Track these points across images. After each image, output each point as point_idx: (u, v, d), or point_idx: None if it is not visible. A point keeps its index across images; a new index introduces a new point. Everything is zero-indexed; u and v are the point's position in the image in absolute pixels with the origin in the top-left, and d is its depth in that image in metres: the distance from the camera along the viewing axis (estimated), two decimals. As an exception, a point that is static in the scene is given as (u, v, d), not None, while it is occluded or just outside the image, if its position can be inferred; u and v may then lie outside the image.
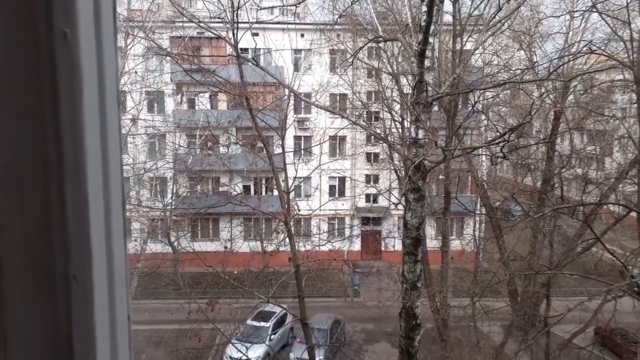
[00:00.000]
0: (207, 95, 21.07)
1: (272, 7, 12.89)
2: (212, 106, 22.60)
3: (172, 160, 19.07)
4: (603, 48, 14.10)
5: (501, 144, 6.81)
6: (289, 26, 21.23)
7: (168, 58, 15.77)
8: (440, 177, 18.03)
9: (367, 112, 22.05)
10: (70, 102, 0.42)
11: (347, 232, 26.54)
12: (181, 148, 19.95)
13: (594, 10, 13.28)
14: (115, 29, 0.48)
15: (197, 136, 18.50)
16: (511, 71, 14.16)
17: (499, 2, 10.87)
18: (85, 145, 0.44)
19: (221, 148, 18.08)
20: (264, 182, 22.41)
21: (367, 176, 27.44)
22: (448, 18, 17.02)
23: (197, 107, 21.63)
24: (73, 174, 0.44)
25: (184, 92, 22.75)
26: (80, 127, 0.44)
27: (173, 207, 20.05)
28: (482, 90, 13.06)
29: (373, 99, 22.90)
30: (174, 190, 18.86)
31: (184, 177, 19.75)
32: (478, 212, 17.90)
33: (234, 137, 17.32)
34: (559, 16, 14.38)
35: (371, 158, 27.19)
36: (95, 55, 0.44)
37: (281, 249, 14.63)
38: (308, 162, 17.37)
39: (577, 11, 14.65)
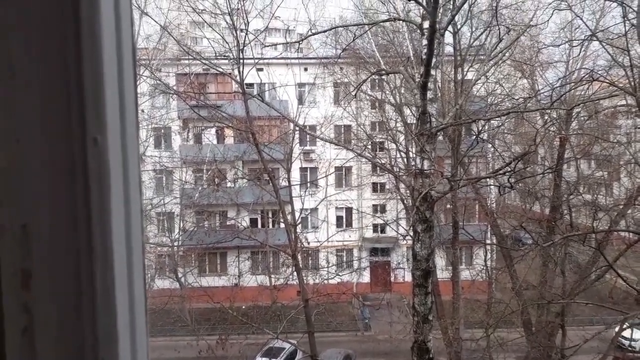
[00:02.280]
0: (213, 130, 21.37)
1: (276, 44, 13.17)
2: (218, 141, 22.88)
3: (179, 195, 19.20)
4: (605, 75, 14.23)
5: (507, 174, 6.83)
6: (293, 61, 21.65)
7: (175, 95, 16.09)
8: (448, 206, 17.96)
9: (371, 142, 22.22)
10: (100, 197, 0.45)
11: (355, 264, 26.31)
12: (188, 183, 20.13)
13: (594, 38, 13.46)
14: (138, 132, 0.52)
15: (204, 170, 18.68)
16: (514, 100, 14.28)
17: (499, 33, 11.08)
18: (111, 234, 0.47)
19: (228, 182, 18.22)
20: (270, 215, 22.40)
21: (374, 206, 27.37)
22: (449, 49, 17.32)
23: (203, 142, 21.92)
24: (102, 261, 0.47)
25: (191, 128, 23.09)
26: (107, 214, 0.47)
27: (180, 242, 20.05)
28: (485, 120, 13.15)
29: (377, 129, 23.09)
30: (181, 226, 18.91)
31: (191, 212, 19.85)
32: (488, 240, 17.74)
33: (240, 171, 17.46)
34: (559, 45, 14.56)
35: (377, 188, 27.20)
36: (121, 158, 0.49)
37: (289, 282, 14.51)
38: (314, 194, 17.40)
39: (576, 40, 14.86)
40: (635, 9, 12.36)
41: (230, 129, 14.89)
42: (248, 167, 21.70)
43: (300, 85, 24.78)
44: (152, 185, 20.76)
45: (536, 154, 16.80)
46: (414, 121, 14.52)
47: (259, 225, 23.49)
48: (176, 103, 21.04)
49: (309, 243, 13.22)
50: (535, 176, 13.76)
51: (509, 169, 6.94)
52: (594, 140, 14.80)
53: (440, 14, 8.56)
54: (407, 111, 18.03)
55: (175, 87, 18.00)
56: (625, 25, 12.98)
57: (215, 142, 22.33)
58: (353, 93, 16.48)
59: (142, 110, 18.14)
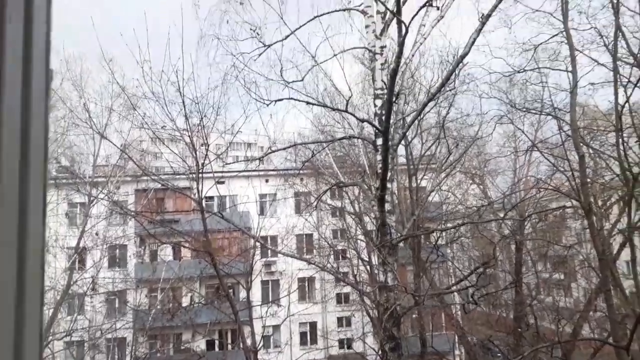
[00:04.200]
0: (170, 246, 20.82)
1: (237, 162, 13.40)
2: (175, 257, 22.21)
3: (132, 319, 18.05)
4: (549, 181, 15.11)
5: (470, 289, 6.80)
6: (253, 174, 22.00)
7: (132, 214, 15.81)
8: (414, 316, 17.56)
9: (333, 251, 22.07)
10: None
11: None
12: (142, 305, 19.05)
13: (535, 148, 14.45)
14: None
15: (159, 290, 17.84)
16: (468, 209, 14.78)
17: (448, 147, 11.72)
18: None
19: (184, 302, 17.35)
20: (230, 335, 21.17)
21: (339, 319, 26.47)
22: (402, 159, 18.14)
23: (160, 260, 21.22)
24: None
25: (147, 245, 22.45)
26: None
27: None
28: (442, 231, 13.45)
29: (339, 236, 23.11)
30: (133, 353, 17.49)
31: (144, 336, 18.51)
32: (457, 352, 17.21)
33: (197, 293, 16.74)
34: (505, 156, 15.55)
35: (342, 299, 26.53)
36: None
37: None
38: (275, 313, 16.75)
39: (519, 151, 15.90)
40: (569, 121, 13.53)
41: (187, 247, 14.52)
42: (206, 283, 20.88)
43: (262, 196, 24.96)
44: (102, 309, 19.52)
45: (495, 260, 17.06)
46: (374, 228, 14.62)
47: (217, 349, 22.06)
48: (133, 221, 20.60)
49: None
50: (498, 292, 13.81)
51: (469, 284, 6.91)
52: (547, 244, 15.25)
53: (392, 131, 9.00)
54: (366, 218, 18.26)
55: (134, 204, 17.71)
56: (561, 136, 14.12)
57: (172, 258, 21.65)
58: (314, 204, 16.69)
59: (97, 233, 17.64)
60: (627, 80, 11.81)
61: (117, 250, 22.98)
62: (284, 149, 13.41)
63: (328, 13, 8.07)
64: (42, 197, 0.51)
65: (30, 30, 0.47)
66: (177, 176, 12.77)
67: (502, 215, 13.87)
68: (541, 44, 14.04)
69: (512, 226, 16.21)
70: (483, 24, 6.72)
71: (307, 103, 9.70)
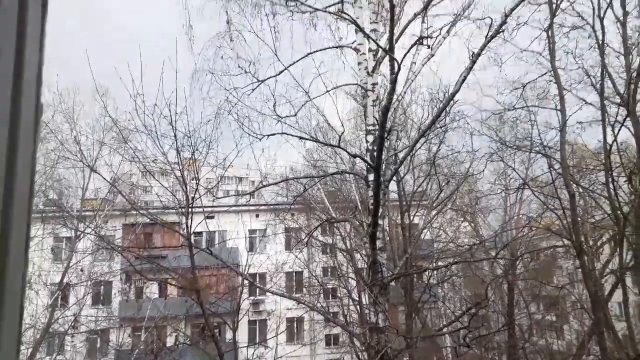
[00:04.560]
0: (156, 283, 20.37)
1: (228, 196, 13.28)
2: (161, 295, 21.68)
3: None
4: (539, 220, 15.11)
5: (462, 331, 6.61)
6: (244, 209, 21.78)
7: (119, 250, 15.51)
8: (405, 359, 17.10)
9: (324, 290, 21.68)
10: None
11: None
12: (125, 345, 18.42)
13: (526, 187, 14.51)
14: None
15: (144, 329, 17.29)
16: (460, 247, 14.67)
17: (440, 184, 11.70)
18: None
19: (168, 342, 16.80)
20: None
21: (329, 363, 25.76)
22: (394, 196, 18.09)
23: (145, 297, 20.71)
24: None
25: (134, 282, 21.96)
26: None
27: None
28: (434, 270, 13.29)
29: (330, 274, 22.76)
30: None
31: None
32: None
33: (183, 333, 16.22)
34: (496, 194, 15.58)
35: (331, 341, 25.90)
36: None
37: None
38: (262, 356, 16.24)
39: (511, 189, 15.96)
40: (559, 159, 13.64)
41: (174, 285, 14.17)
42: (192, 322, 20.31)
43: (252, 232, 24.65)
44: (83, 349, 18.81)
45: (488, 301, 16.85)
46: (365, 266, 14.40)
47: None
48: (120, 257, 20.21)
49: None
50: (491, 334, 13.56)
51: (462, 325, 6.72)
52: (540, 284, 15.11)
53: (384, 168, 8.97)
54: (358, 255, 18.04)
55: (121, 239, 17.39)
56: (552, 174, 14.20)
57: (158, 296, 21.12)
58: (305, 241, 16.49)
59: (82, 270, 17.25)
60: (614, 119, 12.00)
61: (102, 287, 22.41)
62: (276, 183, 13.34)
63: (321, 50, 8.17)
64: (26, 234, 0.49)
65: (22, 65, 0.45)
66: (167, 211, 12.57)
67: (494, 254, 13.77)
68: (530, 82, 14.34)
69: (505, 266, 16.07)
70: (474, 62, 6.80)
71: (300, 138, 9.69)
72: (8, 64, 0.43)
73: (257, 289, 23.13)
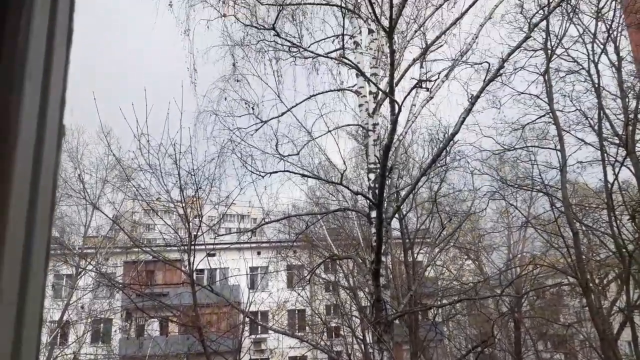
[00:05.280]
0: (157, 321, 20.14)
1: (229, 233, 13.32)
2: (162, 332, 21.38)
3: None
4: (543, 257, 15.02)
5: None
6: (245, 246, 21.70)
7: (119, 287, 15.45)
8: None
9: (327, 328, 21.35)
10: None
11: None
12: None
13: (529, 225, 14.49)
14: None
15: (144, 368, 17.02)
16: (464, 285, 14.56)
17: (442, 222, 11.73)
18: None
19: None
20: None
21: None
22: (397, 233, 18.05)
23: (146, 334, 20.43)
24: None
25: (134, 319, 21.72)
26: None
27: None
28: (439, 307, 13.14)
29: (332, 312, 22.45)
30: None
31: None
32: None
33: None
34: (498, 232, 15.55)
35: (335, 383, 25.27)
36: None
37: None
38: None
39: (513, 226, 15.94)
40: (561, 198, 13.70)
41: (175, 322, 14.02)
42: (194, 360, 19.93)
43: (253, 269, 24.47)
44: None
45: (494, 338, 16.58)
46: (368, 304, 14.25)
47: None
48: (121, 294, 20.07)
49: None
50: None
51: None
52: (546, 322, 14.88)
53: (385, 205, 9.04)
54: (361, 293, 17.85)
55: (122, 276, 17.32)
56: (554, 212, 14.22)
57: (158, 333, 20.81)
58: (307, 278, 16.38)
59: (82, 307, 17.13)
60: (614, 159, 12.12)
61: (102, 325, 22.13)
62: (278, 220, 13.39)
63: (323, 93, 8.40)
64: (45, 255, 0.52)
65: (47, 89, 0.50)
66: (169, 248, 12.59)
67: (498, 291, 13.63)
68: (528, 124, 14.54)
69: (510, 303, 15.88)
70: (472, 104, 6.99)
71: (303, 176, 9.83)
72: (36, 86, 0.49)
73: (259, 327, 22.80)
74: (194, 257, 10.31)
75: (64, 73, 0.56)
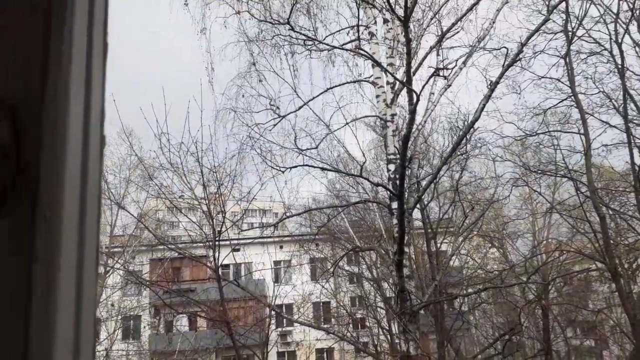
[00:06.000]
0: (185, 316, 20.51)
1: (252, 228, 13.47)
2: (191, 327, 21.76)
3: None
4: (570, 243, 14.79)
5: (496, 358, 6.51)
6: (268, 240, 21.87)
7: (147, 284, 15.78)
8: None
9: (352, 320, 21.41)
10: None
11: None
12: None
13: (553, 210, 14.27)
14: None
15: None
16: (489, 273, 14.42)
17: (464, 211, 11.64)
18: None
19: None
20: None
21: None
22: (418, 223, 17.93)
23: (175, 330, 20.84)
24: None
25: (163, 315, 22.15)
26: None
27: None
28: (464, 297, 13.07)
29: (357, 304, 22.49)
30: None
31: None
32: None
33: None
34: (524, 218, 15.35)
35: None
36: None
37: None
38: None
39: (538, 213, 15.71)
40: (586, 182, 13.44)
41: (203, 317, 14.27)
42: (222, 355, 20.28)
43: (276, 263, 24.65)
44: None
45: (521, 326, 16.43)
46: (393, 295, 14.24)
47: None
48: (148, 291, 20.45)
49: None
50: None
51: (495, 352, 6.63)
52: (576, 309, 14.67)
53: (406, 195, 9.02)
54: (385, 284, 17.84)
55: (148, 274, 17.67)
56: (579, 197, 13.96)
57: (187, 329, 21.18)
58: (331, 271, 16.45)
59: (112, 304, 17.54)
60: (640, 141, 11.82)
61: (132, 321, 22.63)
62: (299, 214, 13.46)
63: (339, 85, 8.40)
64: (95, 262, 0.56)
65: (89, 104, 0.55)
66: (194, 244, 12.78)
67: (524, 279, 13.48)
68: (550, 108, 14.25)
69: (537, 290, 15.69)
70: (491, 90, 6.90)
71: (322, 169, 9.87)
72: (79, 102, 0.53)
73: (284, 320, 23.02)
74: (219, 252, 10.47)
75: (102, 87, 0.60)
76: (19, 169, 0.47)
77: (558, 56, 13.38)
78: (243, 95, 9.41)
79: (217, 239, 10.30)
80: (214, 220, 10.49)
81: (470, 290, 13.79)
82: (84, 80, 0.55)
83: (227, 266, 17.89)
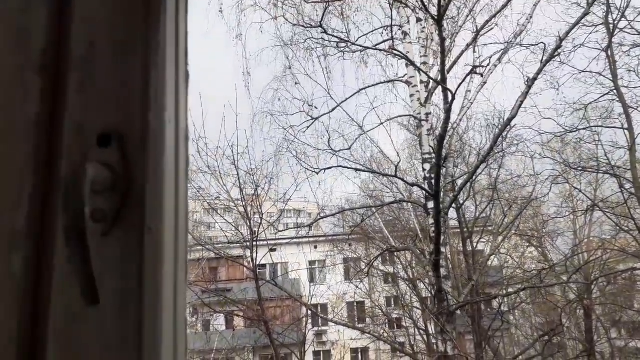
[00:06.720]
0: (222, 315, 20.86)
1: (288, 229, 13.63)
2: (228, 326, 22.14)
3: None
4: (614, 242, 14.30)
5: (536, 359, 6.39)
6: (303, 240, 22.00)
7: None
8: (477, 390, 16.40)
9: (388, 320, 21.31)
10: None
11: None
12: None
13: (596, 208, 13.86)
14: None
15: (212, 360, 17.80)
16: (527, 272, 14.12)
17: (503, 210, 11.46)
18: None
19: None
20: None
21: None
22: (454, 222, 17.68)
23: (212, 329, 21.26)
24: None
25: (200, 314, 22.60)
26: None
27: None
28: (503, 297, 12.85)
29: (392, 304, 22.38)
30: None
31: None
32: None
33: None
34: (564, 216, 14.94)
35: (399, 374, 25.17)
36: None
37: None
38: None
39: (579, 211, 15.29)
40: (630, 178, 13.01)
41: (242, 317, 14.53)
42: (260, 353, 20.55)
43: (311, 263, 24.78)
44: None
45: (562, 327, 16.00)
46: (429, 295, 14.13)
47: None
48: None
49: None
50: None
51: (536, 353, 6.51)
52: (621, 309, 14.19)
53: (442, 195, 8.95)
54: (420, 284, 17.68)
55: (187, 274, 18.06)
56: (623, 194, 13.49)
57: (225, 328, 21.56)
58: (365, 271, 16.44)
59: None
60: (689, 134, 11.34)
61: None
62: (333, 215, 13.53)
63: (373, 86, 8.42)
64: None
65: (178, 128, 0.63)
66: (231, 245, 13.04)
67: (565, 278, 13.13)
68: (591, 103, 13.82)
69: (579, 290, 15.25)
70: (529, 87, 6.78)
71: (356, 170, 9.91)
72: (172, 128, 0.60)
73: (320, 319, 23.12)
74: (257, 253, 10.66)
75: (186, 111, 0.68)
76: (128, 192, 0.55)
77: (599, 49, 12.97)
78: (279, 99, 9.58)
79: (254, 239, 10.50)
80: (251, 221, 10.70)
81: (510, 290, 13.53)
82: (174, 107, 0.63)
83: (263, 266, 18.14)
